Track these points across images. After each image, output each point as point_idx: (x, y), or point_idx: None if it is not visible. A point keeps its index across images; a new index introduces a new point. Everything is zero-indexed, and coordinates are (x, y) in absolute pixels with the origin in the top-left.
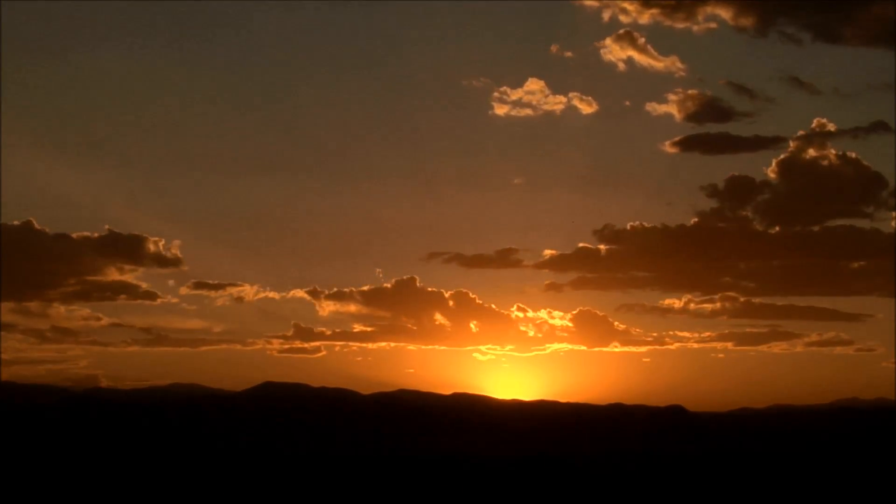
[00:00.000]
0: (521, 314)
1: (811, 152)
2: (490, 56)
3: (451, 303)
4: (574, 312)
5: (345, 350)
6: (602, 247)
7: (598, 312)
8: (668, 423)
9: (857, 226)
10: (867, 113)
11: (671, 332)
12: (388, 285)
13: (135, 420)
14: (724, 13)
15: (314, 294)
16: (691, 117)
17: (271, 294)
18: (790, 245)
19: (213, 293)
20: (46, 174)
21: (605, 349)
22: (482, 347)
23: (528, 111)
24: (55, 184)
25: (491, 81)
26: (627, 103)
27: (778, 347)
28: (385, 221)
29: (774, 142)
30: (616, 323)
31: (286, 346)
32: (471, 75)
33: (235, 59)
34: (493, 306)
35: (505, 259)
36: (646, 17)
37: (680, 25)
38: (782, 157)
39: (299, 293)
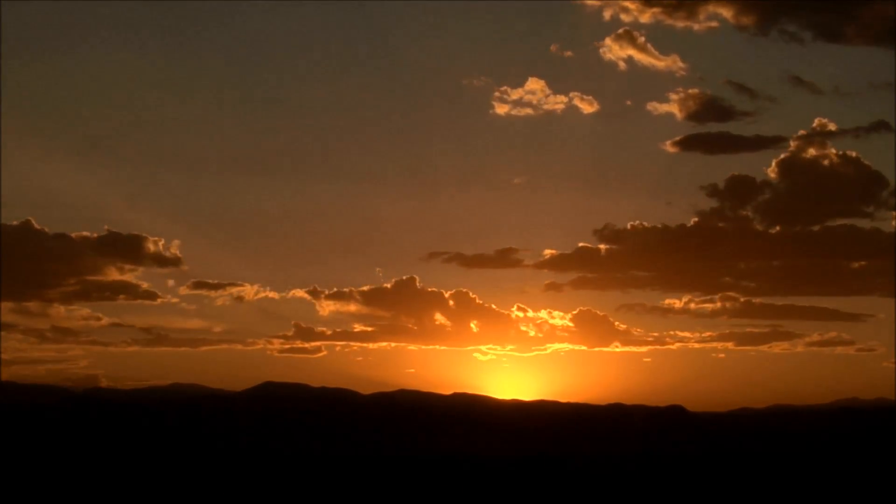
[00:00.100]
0: (521, 314)
1: (812, 152)
2: (490, 55)
3: (451, 303)
4: (574, 312)
5: (345, 350)
6: (602, 246)
7: (598, 312)
8: (668, 423)
9: (857, 225)
10: (868, 112)
11: (672, 332)
12: (388, 285)
13: (135, 420)
14: (726, 12)
15: (314, 294)
16: (692, 117)
17: (271, 294)
18: (791, 245)
19: (213, 293)
20: (46, 174)
21: (605, 349)
22: (483, 347)
23: (529, 111)
24: (54, 183)
25: (491, 81)
26: (628, 103)
27: (778, 347)
28: (385, 221)
29: (775, 141)
30: (617, 323)
31: (286, 346)
32: (471, 75)
33: (235, 59)
34: (494, 306)
35: (505, 259)
36: (647, 16)
37: (681, 24)
38: (783, 156)
39: (299, 293)
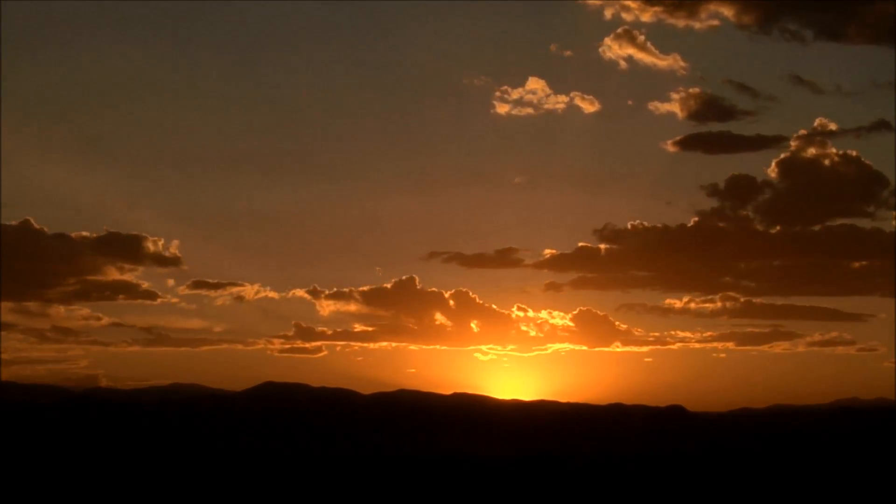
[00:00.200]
0: (521, 314)
1: (812, 151)
2: (491, 55)
3: (451, 302)
4: (574, 312)
5: (345, 350)
6: (602, 246)
7: (598, 312)
8: (669, 423)
9: (858, 225)
10: (869, 112)
11: (672, 332)
12: (388, 285)
13: (135, 420)
14: (727, 11)
15: (314, 294)
16: (693, 116)
17: (271, 294)
18: (791, 245)
19: (213, 293)
20: (45, 174)
21: (606, 349)
22: (483, 347)
23: (530, 110)
24: (54, 183)
25: (492, 80)
26: (629, 102)
27: (779, 347)
28: (385, 221)
29: (776, 141)
30: (617, 323)
31: (286, 346)
32: (472, 74)
33: (235, 59)
34: (494, 306)
35: (505, 259)
36: (647, 16)
37: (682, 23)
38: (783, 156)
39: (299, 293)
